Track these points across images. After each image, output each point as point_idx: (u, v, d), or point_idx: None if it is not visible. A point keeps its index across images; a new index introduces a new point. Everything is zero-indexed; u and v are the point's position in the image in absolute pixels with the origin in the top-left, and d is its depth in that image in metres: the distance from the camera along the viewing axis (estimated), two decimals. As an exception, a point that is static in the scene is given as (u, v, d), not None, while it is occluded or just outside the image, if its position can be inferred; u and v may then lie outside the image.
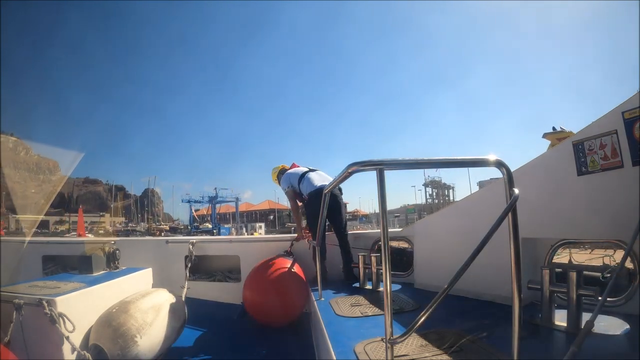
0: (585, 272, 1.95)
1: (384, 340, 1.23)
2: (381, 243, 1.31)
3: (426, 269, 2.62)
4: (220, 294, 3.78)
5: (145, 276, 3.16)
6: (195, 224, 31.72)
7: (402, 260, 3.36)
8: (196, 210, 34.38)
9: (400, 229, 3.30)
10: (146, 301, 2.55)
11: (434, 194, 59.37)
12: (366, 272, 3.14)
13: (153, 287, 3.04)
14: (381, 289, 2.87)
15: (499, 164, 1.31)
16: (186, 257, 3.79)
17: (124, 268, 3.22)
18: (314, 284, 2.89)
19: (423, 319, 1.15)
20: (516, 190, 1.22)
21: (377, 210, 1.42)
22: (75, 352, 2.01)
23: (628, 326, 1.81)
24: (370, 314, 2.26)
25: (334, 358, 1.63)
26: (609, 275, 2.01)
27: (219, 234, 25.49)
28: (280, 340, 2.91)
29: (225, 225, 32.12)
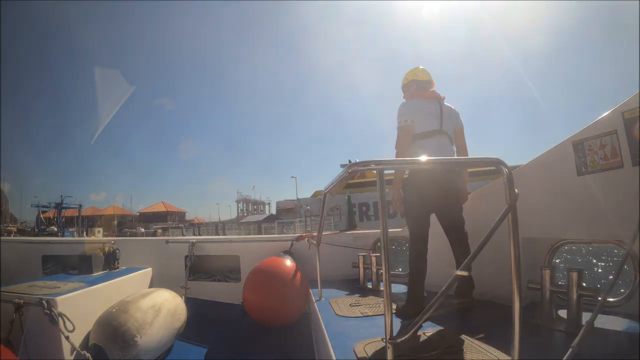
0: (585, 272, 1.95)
1: (384, 340, 1.23)
2: (381, 243, 1.31)
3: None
4: (220, 294, 3.78)
5: (145, 276, 3.16)
6: (42, 226, 32.79)
7: (402, 260, 3.36)
8: (44, 212, 35.28)
9: (401, 229, 3.29)
10: (146, 301, 2.55)
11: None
12: (366, 272, 3.14)
13: (153, 287, 3.04)
14: (381, 288, 2.87)
15: (499, 164, 1.31)
16: (186, 257, 3.79)
17: (123, 268, 3.23)
18: (313, 284, 2.89)
19: (423, 319, 1.15)
20: (516, 190, 1.22)
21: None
22: (75, 352, 2.01)
23: (628, 326, 1.81)
24: (370, 314, 2.26)
25: (334, 358, 1.63)
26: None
27: (63, 235, 26.79)
28: (280, 340, 2.91)
29: (70, 229, 33.34)
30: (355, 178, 33.33)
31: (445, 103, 2.59)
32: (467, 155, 2.50)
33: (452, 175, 2.41)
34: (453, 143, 2.55)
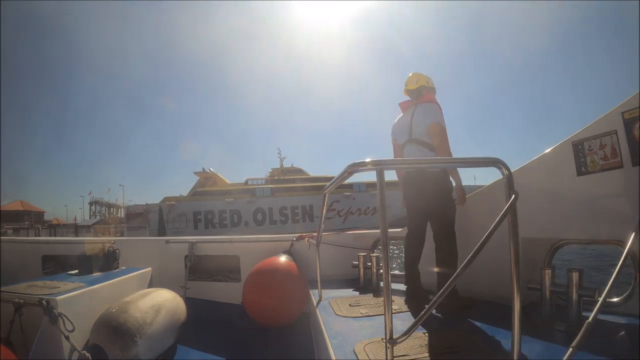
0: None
1: (384, 340, 1.23)
2: (381, 243, 1.31)
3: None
4: (220, 294, 3.78)
5: (145, 276, 3.16)
6: None
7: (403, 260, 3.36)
8: None
9: (400, 229, 3.29)
10: (146, 301, 2.55)
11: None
12: (366, 272, 3.14)
13: (153, 287, 3.03)
14: (381, 288, 2.87)
15: (499, 164, 1.31)
16: (186, 257, 3.79)
17: (124, 268, 3.23)
18: (313, 284, 2.89)
19: (423, 319, 1.15)
20: (516, 191, 1.22)
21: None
22: (75, 352, 2.01)
23: (628, 326, 1.81)
24: (370, 314, 2.26)
25: (334, 358, 1.63)
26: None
27: None
28: (280, 340, 2.90)
29: None
30: (206, 186, 32.75)
31: (421, 104, 2.62)
32: (445, 151, 2.47)
33: (426, 178, 2.46)
34: (426, 147, 2.52)
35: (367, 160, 1.36)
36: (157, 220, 30.26)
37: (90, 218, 44.43)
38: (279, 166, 36.75)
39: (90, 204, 48.39)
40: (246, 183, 33.80)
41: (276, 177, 35.12)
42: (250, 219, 31.02)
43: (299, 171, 36.27)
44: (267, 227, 29.85)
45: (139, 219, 31.31)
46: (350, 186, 32.57)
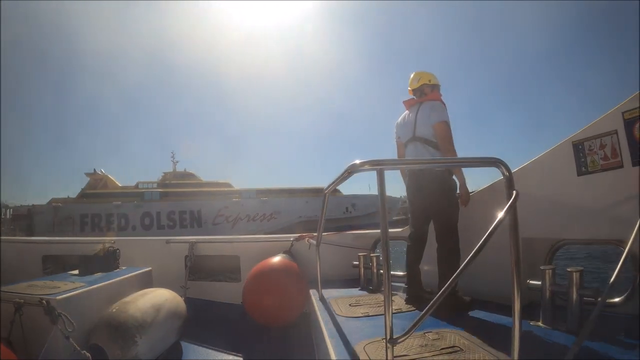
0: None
1: (384, 340, 1.23)
2: (381, 243, 1.31)
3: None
4: (220, 294, 3.78)
5: (145, 276, 3.16)
6: None
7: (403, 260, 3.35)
8: None
9: (401, 229, 3.29)
10: (146, 301, 2.55)
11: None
12: (366, 272, 3.14)
13: (153, 287, 3.03)
14: (381, 288, 2.87)
15: (499, 164, 1.31)
16: (186, 257, 3.79)
17: (124, 268, 3.23)
18: (313, 284, 2.89)
19: (423, 319, 1.15)
20: (516, 191, 1.22)
21: None
22: (76, 352, 2.01)
23: (628, 326, 1.81)
24: (370, 314, 2.26)
25: (334, 358, 1.63)
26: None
27: None
28: (280, 340, 2.91)
29: None
30: (97, 188, 31.72)
31: (425, 103, 2.61)
32: (450, 150, 2.46)
33: (430, 177, 2.45)
34: (430, 144, 2.52)
35: (367, 160, 1.36)
36: (45, 222, 28.11)
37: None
38: (171, 170, 35.54)
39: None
40: (136, 186, 32.59)
41: (167, 182, 33.83)
42: (137, 223, 29.77)
43: (191, 176, 35.17)
44: (155, 232, 28.33)
45: (23, 221, 28.72)
46: (239, 192, 32.31)
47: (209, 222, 29.85)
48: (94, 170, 33.80)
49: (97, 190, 31.77)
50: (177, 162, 36.23)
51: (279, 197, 32.10)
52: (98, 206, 29.72)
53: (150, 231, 29.05)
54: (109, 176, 33.71)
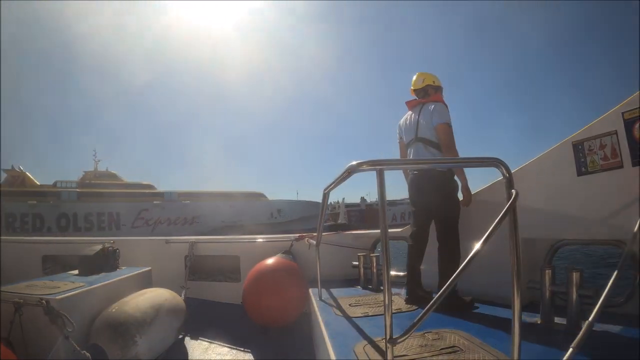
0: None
1: (384, 340, 1.23)
2: (381, 243, 1.31)
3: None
4: (220, 294, 3.78)
5: (145, 276, 3.16)
6: None
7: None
8: None
9: (401, 229, 3.29)
10: (146, 301, 2.55)
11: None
12: (366, 272, 3.14)
13: (153, 287, 3.03)
14: (381, 288, 2.87)
15: (499, 164, 1.31)
16: (186, 257, 3.79)
17: (124, 268, 3.23)
18: (313, 284, 2.89)
19: (423, 319, 1.15)
20: (516, 191, 1.22)
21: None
22: (75, 352, 2.01)
23: (628, 326, 1.81)
24: (370, 314, 2.26)
25: (334, 358, 1.63)
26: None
27: None
28: (279, 340, 2.91)
29: None
30: (14, 186, 29.69)
31: (428, 104, 2.63)
32: (452, 151, 2.47)
33: (432, 178, 2.46)
34: (432, 146, 2.54)
35: (367, 160, 1.36)
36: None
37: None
38: (92, 169, 33.49)
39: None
40: (54, 185, 30.62)
41: (87, 181, 31.97)
42: (53, 224, 27.95)
43: (113, 176, 33.26)
44: (72, 234, 26.55)
45: None
46: (161, 194, 31.07)
47: (128, 225, 28.30)
48: (12, 166, 31.37)
49: (12, 188, 29.41)
50: (99, 160, 34.09)
51: (201, 201, 30.50)
52: (13, 205, 27.57)
53: (66, 233, 27.05)
54: (27, 174, 31.32)
